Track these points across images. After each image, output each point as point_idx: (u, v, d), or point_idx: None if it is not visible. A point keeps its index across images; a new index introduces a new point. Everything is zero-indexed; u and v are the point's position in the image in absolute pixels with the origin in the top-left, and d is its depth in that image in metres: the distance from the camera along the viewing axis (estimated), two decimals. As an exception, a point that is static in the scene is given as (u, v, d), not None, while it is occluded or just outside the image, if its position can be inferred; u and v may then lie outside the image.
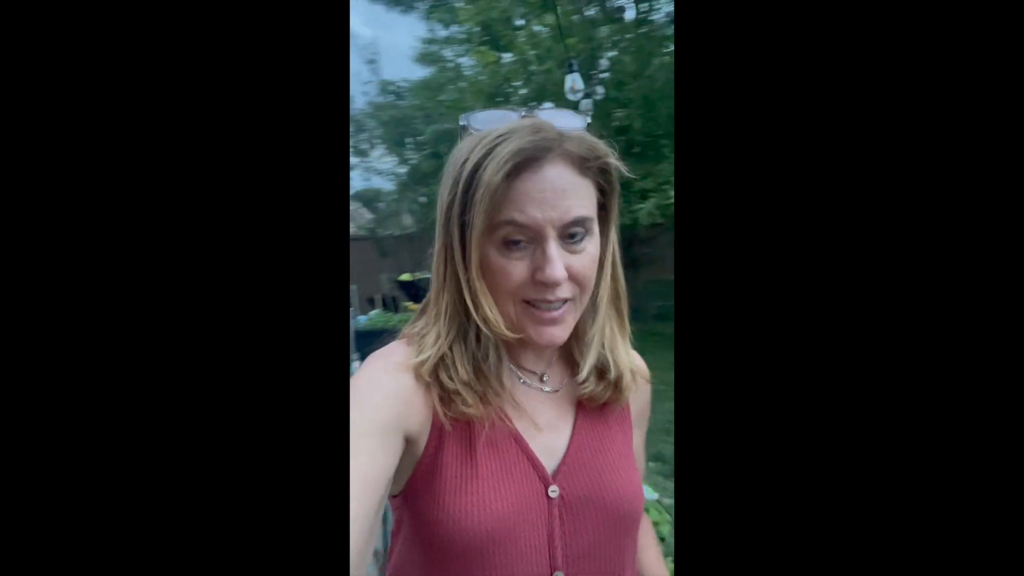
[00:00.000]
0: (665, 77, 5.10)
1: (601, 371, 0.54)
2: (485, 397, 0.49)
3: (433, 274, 0.51)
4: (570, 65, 3.72)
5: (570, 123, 0.49)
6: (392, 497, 0.54)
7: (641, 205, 4.90)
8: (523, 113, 0.50)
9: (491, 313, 0.48)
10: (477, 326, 0.49)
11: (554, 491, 0.51)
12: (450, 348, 0.49)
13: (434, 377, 0.49)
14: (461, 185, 0.46)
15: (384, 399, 0.46)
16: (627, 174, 0.50)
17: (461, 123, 0.51)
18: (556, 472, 0.52)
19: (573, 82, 3.64)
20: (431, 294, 0.51)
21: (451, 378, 0.48)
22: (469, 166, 0.46)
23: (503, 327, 0.48)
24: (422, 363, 0.48)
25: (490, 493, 0.48)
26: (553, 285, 0.46)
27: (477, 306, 0.48)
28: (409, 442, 0.48)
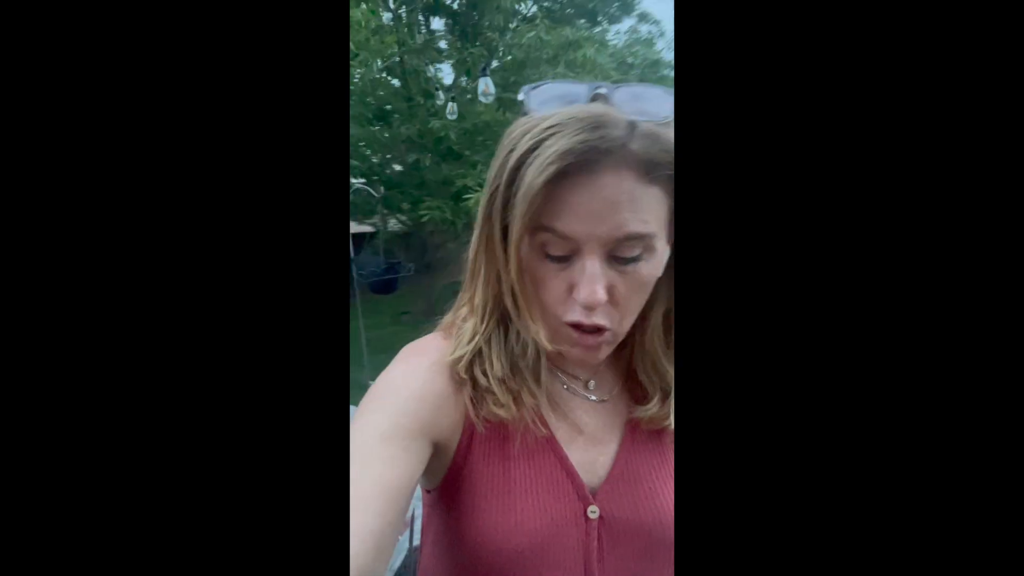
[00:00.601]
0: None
1: (666, 393, 0.48)
2: (519, 397, 0.44)
3: (470, 262, 0.45)
4: (483, 69, 3.77)
5: (654, 108, 0.39)
6: (425, 491, 0.50)
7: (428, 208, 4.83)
8: (595, 90, 0.40)
9: (531, 321, 0.42)
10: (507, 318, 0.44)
11: (594, 512, 0.45)
12: (487, 342, 0.44)
13: (469, 373, 0.44)
14: (505, 178, 0.39)
15: (413, 402, 0.42)
16: None
17: (520, 97, 0.43)
18: (597, 490, 0.46)
19: (486, 85, 3.64)
20: (467, 281, 0.46)
21: (485, 373, 0.43)
22: (514, 159, 0.38)
23: (543, 337, 0.42)
24: (458, 360, 0.44)
25: (523, 509, 0.43)
26: (587, 308, 0.39)
27: (518, 310, 0.42)
28: (439, 446, 0.44)
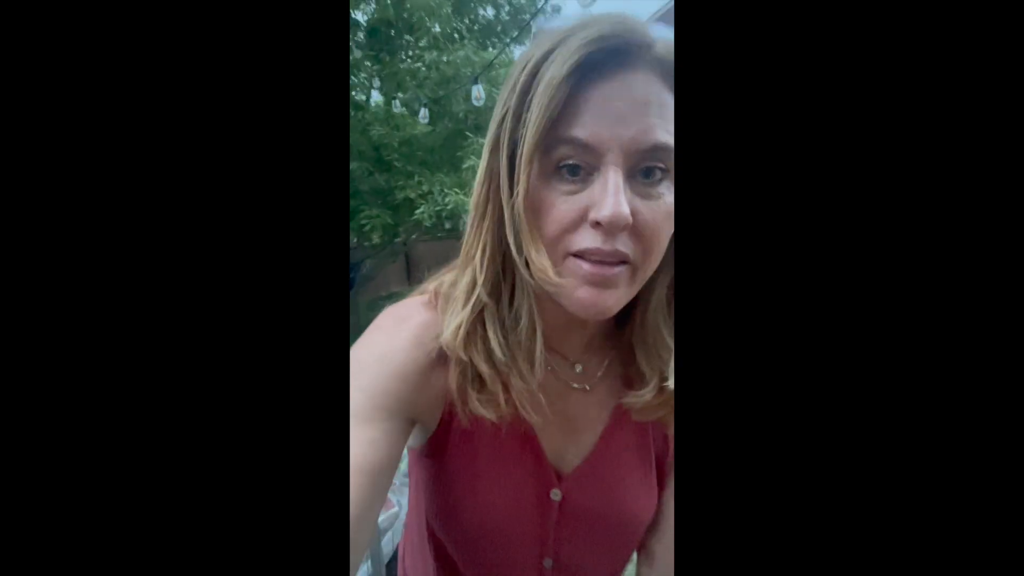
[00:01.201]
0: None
1: (664, 379, 0.41)
2: (508, 383, 0.39)
3: (471, 212, 0.40)
4: (475, 78, 3.95)
5: (662, 34, 0.35)
6: (409, 449, 0.48)
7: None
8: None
9: (535, 254, 0.35)
10: (513, 280, 0.38)
11: (556, 495, 0.46)
12: (480, 315, 0.39)
13: (466, 352, 0.39)
14: (518, 90, 0.35)
15: (393, 381, 0.38)
16: None
17: (535, 33, 0.41)
18: (566, 476, 0.46)
19: (477, 91, 3.81)
20: (466, 239, 0.40)
21: (479, 354, 0.38)
22: (530, 66, 0.34)
23: (550, 272, 0.35)
24: (454, 334, 0.38)
25: (487, 489, 0.43)
26: (611, 227, 0.33)
27: (519, 244, 0.36)
28: (419, 421, 0.42)
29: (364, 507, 0.34)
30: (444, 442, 0.44)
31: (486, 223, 0.38)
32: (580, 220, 0.35)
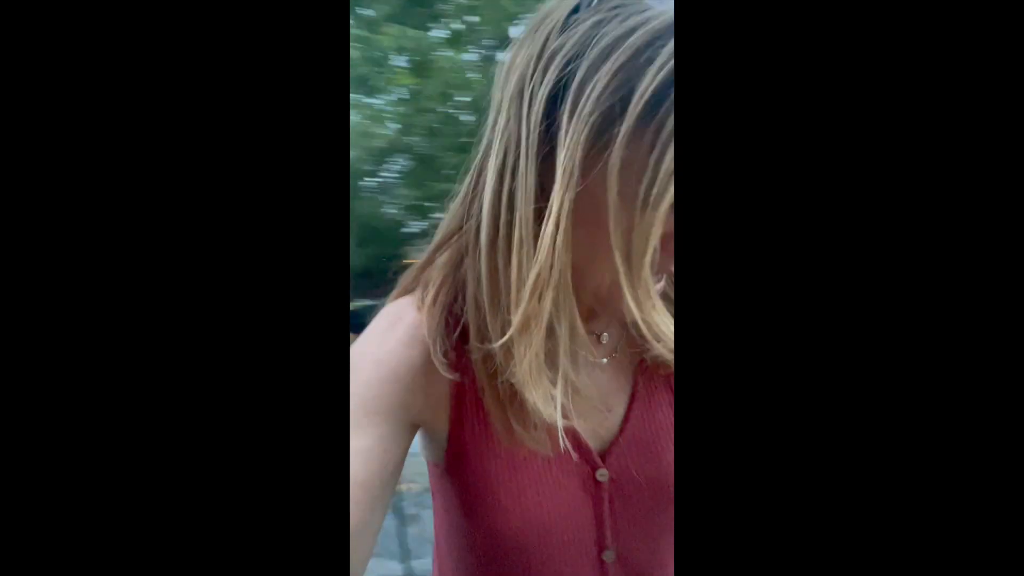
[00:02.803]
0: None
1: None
2: (549, 397, 0.36)
3: (491, 199, 0.35)
4: None
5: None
6: (431, 464, 0.45)
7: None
8: None
9: (652, 300, 0.33)
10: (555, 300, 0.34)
11: (603, 475, 0.43)
12: (524, 340, 0.34)
13: (487, 370, 0.37)
14: (644, 97, 0.29)
15: (387, 384, 0.37)
16: None
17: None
18: (606, 453, 0.44)
19: None
20: (460, 214, 0.37)
21: (519, 377, 0.35)
22: (661, 68, 0.29)
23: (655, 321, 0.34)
24: (528, 365, 0.34)
25: (532, 489, 0.40)
26: None
27: (637, 298, 0.33)
28: (426, 424, 0.41)
29: (360, 521, 0.33)
30: (463, 446, 0.41)
31: (551, 258, 0.33)
32: (663, 244, 0.34)
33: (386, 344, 0.39)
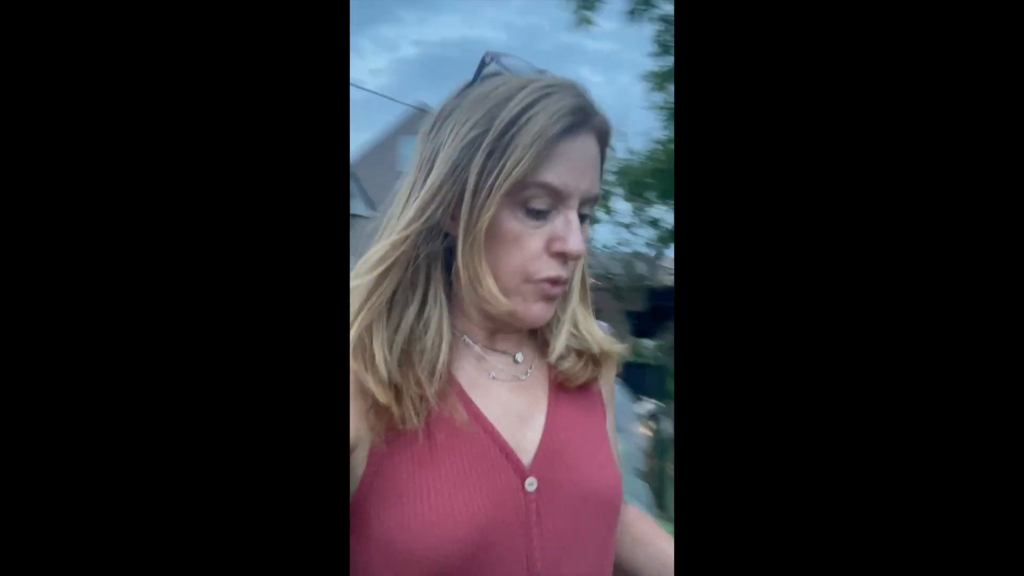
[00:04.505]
0: None
1: (580, 349, 0.50)
2: (401, 392, 0.41)
3: (394, 218, 0.43)
4: None
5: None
6: None
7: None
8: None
9: (486, 278, 0.42)
10: (425, 292, 0.43)
11: (531, 484, 0.44)
12: (368, 328, 0.41)
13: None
14: (499, 128, 0.39)
15: None
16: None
17: (485, 59, 0.45)
18: (532, 463, 0.45)
19: None
20: (376, 248, 0.43)
21: (366, 366, 0.40)
22: (514, 108, 0.39)
23: (497, 294, 0.42)
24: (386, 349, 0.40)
25: (458, 499, 0.41)
26: (572, 258, 0.42)
27: (477, 277, 0.42)
28: (352, 446, 0.41)
29: None
30: (379, 473, 0.42)
31: (418, 236, 0.42)
32: (542, 251, 0.43)
33: None
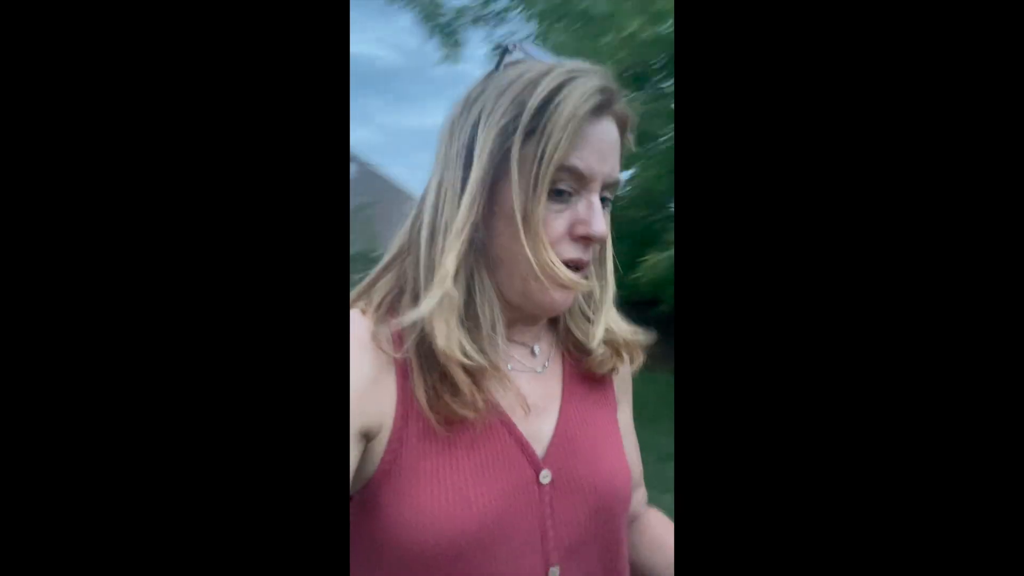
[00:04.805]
0: None
1: (608, 339, 0.50)
2: (479, 380, 0.41)
3: (430, 210, 0.43)
4: None
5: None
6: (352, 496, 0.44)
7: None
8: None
9: (547, 254, 0.41)
10: (472, 283, 0.42)
11: (546, 476, 0.44)
12: (446, 310, 0.40)
13: (418, 352, 0.41)
14: (532, 111, 0.40)
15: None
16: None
17: (508, 47, 0.45)
18: (545, 455, 0.46)
19: None
20: (431, 244, 0.42)
21: (435, 352, 0.40)
22: (542, 92, 0.40)
23: (559, 267, 0.41)
24: (447, 337, 0.39)
25: (473, 491, 0.41)
26: (596, 240, 0.43)
27: (543, 262, 0.40)
28: (368, 436, 0.41)
29: None
30: (402, 452, 0.42)
31: (465, 227, 0.42)
32: (565, 234, 0.43)
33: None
